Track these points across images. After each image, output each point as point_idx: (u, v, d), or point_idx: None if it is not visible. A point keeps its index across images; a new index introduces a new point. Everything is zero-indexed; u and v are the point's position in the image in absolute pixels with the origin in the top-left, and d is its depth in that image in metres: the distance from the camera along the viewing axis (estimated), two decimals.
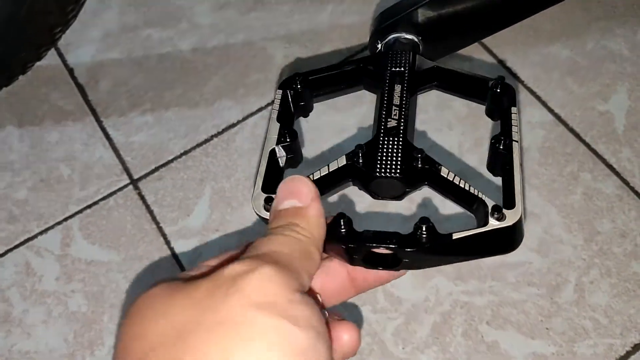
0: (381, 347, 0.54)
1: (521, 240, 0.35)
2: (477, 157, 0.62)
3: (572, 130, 0.63)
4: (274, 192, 0.36)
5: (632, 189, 0.60)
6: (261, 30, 0.73)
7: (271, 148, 0.39)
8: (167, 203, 0.63)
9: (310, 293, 0.29)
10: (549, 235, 0.58)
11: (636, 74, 0.65)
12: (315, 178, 0.37)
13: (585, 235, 0.58)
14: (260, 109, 0.68)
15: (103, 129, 0.68)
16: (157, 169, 0.65)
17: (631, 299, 0.55)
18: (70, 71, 0.72)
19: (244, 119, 0.67)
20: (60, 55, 0.73)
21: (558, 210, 0.59)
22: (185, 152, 0.66)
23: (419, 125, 0.64)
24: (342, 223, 0.33)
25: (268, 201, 0.35)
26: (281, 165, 0.39)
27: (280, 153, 0.39)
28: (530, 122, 0.64)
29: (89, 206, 0.63)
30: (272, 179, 0.37)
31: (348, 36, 0.71)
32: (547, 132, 0.63)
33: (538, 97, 0.65)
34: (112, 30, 0.74)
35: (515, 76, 0.66)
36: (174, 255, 0.60)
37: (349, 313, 0.56)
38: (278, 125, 0.40)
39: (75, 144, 0.67)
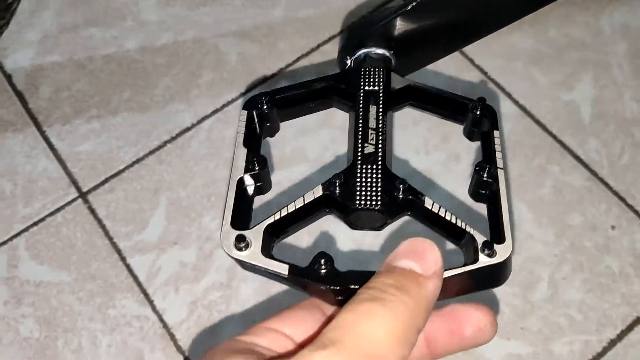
0: None
1: (509, 274, 0.33)
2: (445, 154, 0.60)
3: (538, 122, 0.62)
4: (245, 228, 0.33)
5: (601, 180, 0.59)
6: (212, 27, 0.69)
7: (239, 177, 0.35)
8: (120, 216, 0.59)
9: None
10: (520, 231, 0.57)
11: (599, 62, 0.64)
12: (290, 210, 0.34)
13: (556, 230, 0.57)
14: (215, 111, 0.64)
15: (46, 139, 0.63)
16: (107, 180, 0.61)
17: (604, 294, 0.54)
18: (8, 77, 0.67)
19: (199, 122, 0.63)
20: None
21: (528, 205, 0.58)
22: (137, 161, 0.62)
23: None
24: (322, 263, 0.30)
25: (240, 240, 0.31)
26: (249, 194, 0.36)
27: (249, 181, 0.36)
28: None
29: (35, 223, 0.59)
30: (241, 211, 0.34)
31: (305, 30, 0.68)
32: (514, 124, 0.62)
33: (502, 89, 0.63)
34: (50, 32, 0.69)
35: (478, 67, 0.65)
36: (131, 272, 0.56)
37: None
38: (245, 151, 0.36)
39: (16, 157, 0.62)
